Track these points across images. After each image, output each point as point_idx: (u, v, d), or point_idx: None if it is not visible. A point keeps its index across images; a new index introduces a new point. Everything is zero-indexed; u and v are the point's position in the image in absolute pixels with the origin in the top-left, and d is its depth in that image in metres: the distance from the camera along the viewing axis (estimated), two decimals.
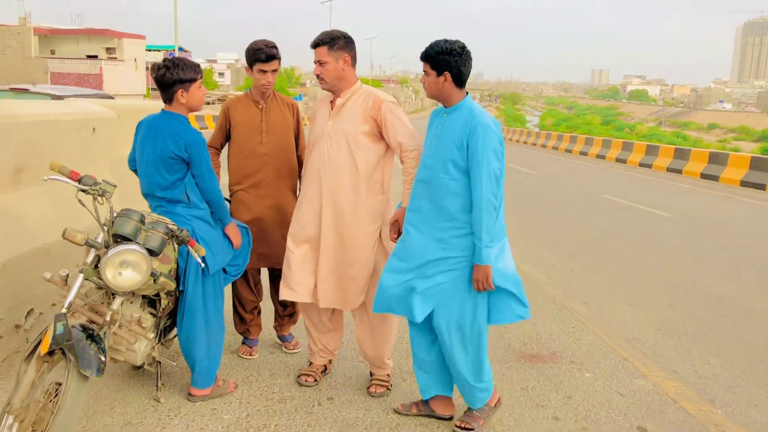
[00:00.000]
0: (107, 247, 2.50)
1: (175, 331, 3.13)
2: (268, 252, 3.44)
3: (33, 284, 3.43)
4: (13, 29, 35.16)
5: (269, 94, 3.43)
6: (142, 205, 2.94)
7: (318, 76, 3.02)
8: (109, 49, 37.94)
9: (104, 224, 2.53)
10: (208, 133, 3.21)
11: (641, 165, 18.87)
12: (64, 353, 2.31)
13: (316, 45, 3.00)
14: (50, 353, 2.32)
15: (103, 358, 2.33)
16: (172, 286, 2.74)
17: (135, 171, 3.10)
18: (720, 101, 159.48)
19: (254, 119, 3.41)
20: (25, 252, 3.38)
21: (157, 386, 3.03)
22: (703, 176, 15.84)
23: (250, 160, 3.40)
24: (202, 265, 2.80)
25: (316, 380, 3.29)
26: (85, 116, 4.17)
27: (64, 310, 2.39)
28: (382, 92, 3.08)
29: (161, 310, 2.89)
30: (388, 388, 3.25)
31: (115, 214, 2.55)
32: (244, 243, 3.20)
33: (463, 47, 2.68)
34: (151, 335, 2.70)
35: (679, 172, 16.88)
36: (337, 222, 3.03)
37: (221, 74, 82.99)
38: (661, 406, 3.31)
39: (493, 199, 2.58)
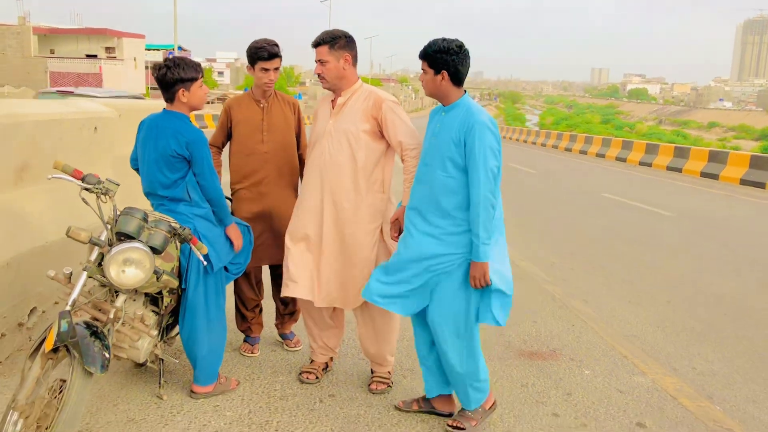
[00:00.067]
0: (111, 245, 2.52)
1: (177, 328, 3.15)
2: (269, 250, 3.46)
3: (35, 282, 3.45)
4: (13, 29, 35.19)
5: (271, 92, 3.45)
6: (144, 204, 2.96)
7: (319, 75, 3.04)
8: (108, 49, 37.98)
9: (107, 222, 2.55)
10: (208, 132, 3.23)
11: (641, 164, 18.90)
12: (68, 350, 2.33)
13: (317, 44, 3.02)
14: (55, 350, 2.34)
15: (107, 355, 2.36)
16: (175, 283, 2.76)
17: (137, 170, 3.12)
18: (720, 100, 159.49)
19: (255, 118, 3.43)
20: (27, 250, 3.40)
21: (159, 383, 3.05)
22: (703, 175, 15.86)
23: (251, 159, 3.42)
24: (205, 263, 2.83)
25: (317, 377, 3.31)
26: (87, 116, 4.19)
27: (68, 308, 2.41)
28: (383, 91, 3.10)
29: (164, 307, 2.92)
30: (389, 386, 3.27)
31: (118, 213, 2.57)
32: (246, 241, 3.22)
33: (461, 46, 2.70)
34: (154, 332, 2.72)
35: (679, 170, 16.90)
36: (338, 221, 3.05)
37: (221, 73, 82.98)
38: (660, 402, 3.33)
39: (491, 196, 2.60)
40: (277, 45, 3.34)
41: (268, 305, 3.80)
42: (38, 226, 3.56)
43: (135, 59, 37.98)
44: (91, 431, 2.72)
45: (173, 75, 2.86)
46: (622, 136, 43.83)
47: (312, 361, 3.40)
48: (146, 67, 40.89)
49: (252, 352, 3.61)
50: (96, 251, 2.53)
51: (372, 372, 3.33)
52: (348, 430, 2.86)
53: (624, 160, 19.97)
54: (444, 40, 2.71)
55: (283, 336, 3.79)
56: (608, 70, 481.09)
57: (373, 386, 3.25)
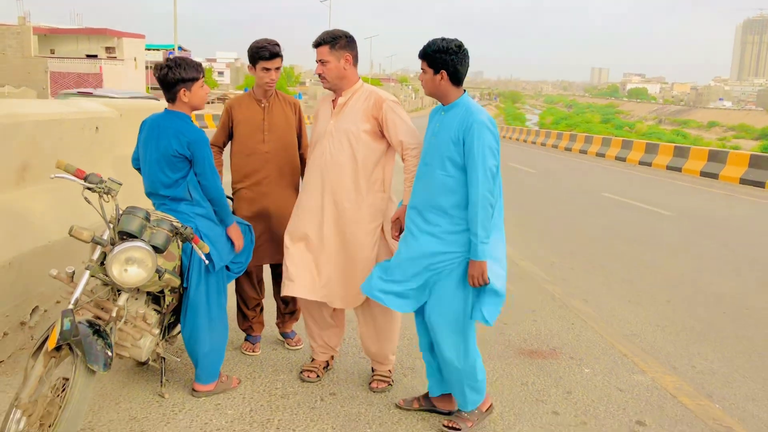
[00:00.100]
0: (113, 244, 2.53)
1: (178, 327, 3.17)
2: (270, 249, 3.47)
3: (37, 282, 3.46)
4: (13, 29, 35.19)
5: (272, 92, 3.46)
6: (145, 204, 2.98)
7: (320, 75, 3.05)
8: (108, 49, 37.98)
9: (110, 221, 2.56)
10: (208, 132, 3.24)
11: (641, 163, 18.91)
12: (71, 348, 2.34)
13: (317, 44, 3.03)
14: (57, 348, 2.36)
15: (109, 353, 2.37)
16: (177, 282, 2.78)
17: (138, 170, 3.13)
18: (720, 99, 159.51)
19: (256, 118, 3.44)
20: (29, 250, 3.42)
21: (161, 382, 3.07)
22: (703, 174, 15.87)
23: (252, 159, 3.43)
24: (206, 262, 2.84)
25: (318, 376, 3.33)
26: (88, 115, 4.20)
27: (70, 306, 2.43)
28: (384, 91, 3.11)
29: (165, 306, 2.93)
30: (390, 384, 3.28)
31: (120, 212, 2.58)
32: (247, 240, 3.23)
33: (460, 46, 2.71)
34: (156, 331, 2.73)
35: (679, 170, 16.92)
36: (338, 220, 3.06)
37: (221, 73, 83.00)
38: (659, 400, 3.35)
39: (489, 195, 2.61)
40: (278, 45, 3.36)
41: (270, 304, 3.82)
42: (40, 225, 3.57)
43: (135, 59, 37.98)
44: (94, 429, 2.73)
45: (174, 75, 2.87)
46: (621, 135, 43.87)
47: (313, 359, 3.42)
48: (146, 67, 40.90)
49: (253, 351, 3.62)
50: (98, 250, 2.55)
51: (373, 370, 3.35)
52: (349, 428, 2.88)
53: (624, 160, 19.99)
54: (443, 39, 2.72)
55: (284, 335, 3.80)
56: (608, 70, 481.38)
57: (374, 384, 3.26)
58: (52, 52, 37.65)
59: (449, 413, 3.00)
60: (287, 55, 3.48)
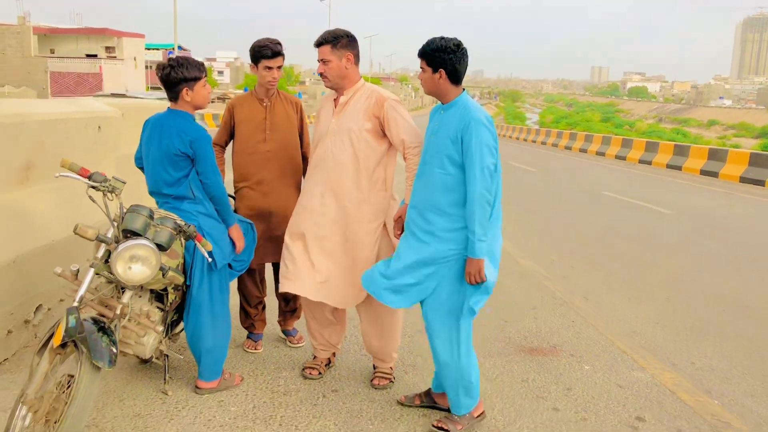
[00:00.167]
0: (117, 242, 2.56)
1: (182, 325, 3.19)
2: (272, 248, 3.49)
3: (41, 280, 3.49)
4: (13, 28, 35.19)
5: (273, 92, 3.48)
6: (148, 202, 3.00)
7: (321, 74, 3.07)
8: (108, 48, 38.01)
9: (114, 220, 2.59)
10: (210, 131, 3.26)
11: (641, 162, 18.93)
12: (76, 345, 2.36)
13: (319, 44, 3.05)
14: (63, 345, 2.38)
15: (114, 350, 2.39)
16: (180, 280, 2.80)
17: (142, 168, 3.15)
18: (720, 98, 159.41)
19: (258, 117, 3.46)
20: (33, 248, 3.44)
21: (164, 379, 3.09)
22: (703, 173, 15.89)
23: (253, 158, 3.45)
24: (210, 259, 2.86)
25: (320, 373, 3.35)
26: (91, 115, 4.22)
27: (75, 304, 2.45)
28: (385, 90, 3.13)
29: (169, 304, 2.95)
30: (391, 381, 3.31)
31: (124, 210, 2.61)
32: (249, 239, 3.26)
33: (458, 44, 2.72)
34: (160, 328, 2.76)
35: (679, 168, 16.93)
36: (339, 219, 3.08)
37: (220, 73, 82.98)
38: (659, 397, 3.37)
39: (487, 193, 2.61)
40: (279, 44, 3.38)
41: (272, 302, 3.84)
42: (43, 224, 3.60)
43: (135, 59, 38.01)
44: (98, 426, 2.76)
45: (177, 74, 2.90)
46: (622, 134, 43.86)
47: (314, 357, 3.44)
48: (146, 67, 40.91)
49: (255, 349, 3.65)
50: (103, 248, 2.57)
51: (374, 368, 3.37)
52: (351, 424, 2.90)
53: (624, 159, 20.00)
54: (442, 38, 2.74)
55: (285, 332, 3.82)
56: (608, 69, 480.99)
57: (376, 381, 3.28)
58: (52, 51, 37.67)
59: (449, 410, 3.02)
60: (287, 55, 3.51)
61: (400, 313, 3.24)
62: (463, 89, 2.81)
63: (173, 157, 2.90)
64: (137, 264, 2.51)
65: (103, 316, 2.60)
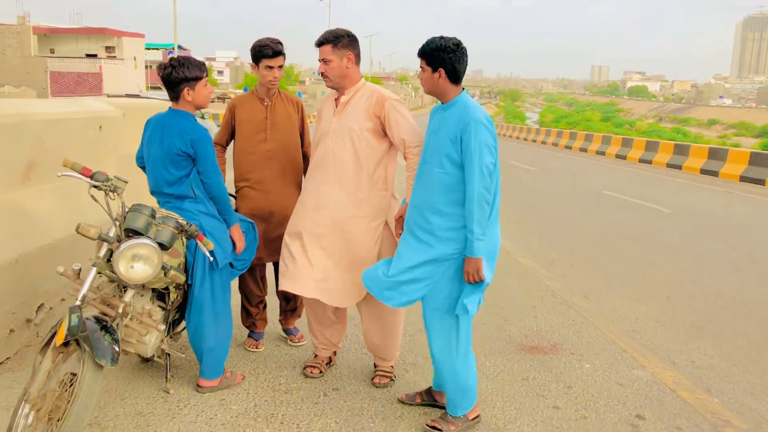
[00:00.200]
0: (119, 241, 2.57)
1: (183, 324, 3.20)
2: (273, 247, 3.50)
3: (43, 279, 3.50)
4: (13, 28, 35.18)
5: (275, 91, 3.49)
6: (148, 202, 3.01)
7: (322, 74, 3.08)
8: (108, 48, 38.02)
9: (116, 219, 2.60)
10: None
11: (641, 161, 18.93)
12: (78, 344, 2.38)
13: (320, 43, 3.06)
14: (65, 344, 2.40)
15: (116, 348, 2.41)
16: (182, 279, 2.81)
17: (143, 168, 3.16)
18: (720, 97, 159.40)
19: (259, 117, 3.47)
20: (35, 248, 3.45)
21: (166, 378, 3.10)
22: (703, 172, 15.90)
23: (254, 158, 3.46)
24: (211, 258, 2.87)
25: (321, 372, 3.36)
26: (92, 115, 4.23)
27: (78, 303, 2.46)
28: (386, 89, 3.14)
29: (170, 303, 2.96)
30: (392, 379, 3.32)
31: (126, 209, 2.62)
32: (251, 238, 3.27)
33: (458, 44, 2.72)
34: (162, 327, 2.77)
35: (679, 167, 16.94)
36: (340, 218, 3.08)
37: (220, 72, 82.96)
38: (659, 395, 3.38)
39: (486, 193, 2.61)
40: (281, 43, 3.39)
41: (273, 301, 3.85)
42: (45, 224, 3.61)
43: (135, 58, 38.01)
44: (100, 424, 2.77)
45: (178, 74, 2.91)
46: (622, 133, 43.86)
47: (316, 355, 3.45)
48: (146, 67, 40.92)
49: (256, 348, 3.66)
50: (105, 247, 2.58)
51: (375, 366, 3.38)
52: (352, 422, 2.91)
53: (624, 158, 20.01)
54: (441, 38, 2.74)
55: (286, 331, 3.84)
56: (608, 68, 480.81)
57: (377, 380, 3.30)
58: (52, 51, 37.68)
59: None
60: (287, 54, 3.52)
61: (402, 312, 3.25)
62: (463, 89, 2.81)
63: (174, 157, 2.91)
64: (139, 263, 2.52)
65: (105, 314, 2.61)
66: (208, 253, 2.81)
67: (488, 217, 2.67)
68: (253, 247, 3.30)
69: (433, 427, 2.85)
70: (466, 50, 2.75)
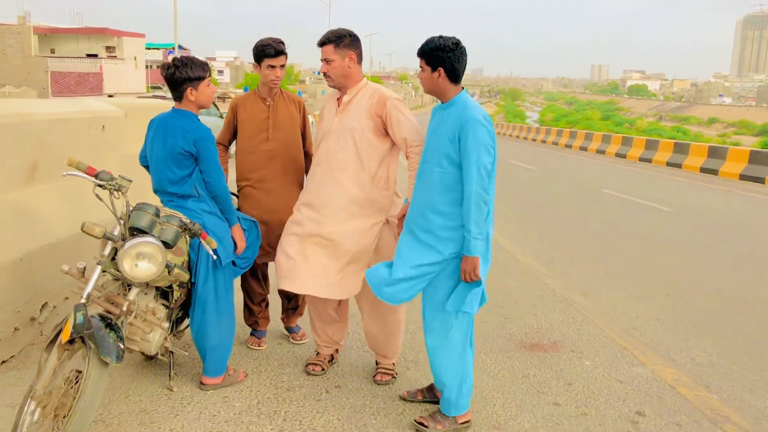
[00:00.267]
0: (124, 239, 2.59)
1: (186, 322, 3.23)
2: (275, 246, 3.52)
3: (46, 278, 3.53)
4: (13, 28, 35.17)
5: (276, 90, 3.52)
6: (151, 201, 3.03)
7: (325, 73, 3.10)
8: (108, 48, 38.01)
9: (120, 218, 2.62)
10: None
11: (641, 160, 18.95)
12: (84, 341, 2.40)
13: (322, 43, 3.08)
14: (71, 341, 2.42)
15: (121, 346, 2.43)
16: (186, 277, 2.83)
17: (146, 167, 3.19)
18: (720, 95, 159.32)
19: (261, 116, 3.49)
20: (38, 247, 3.48)
21: (169, 375, 3.13)
22: (703, 170, 15.92)
23: (256, 157, 3.48)
24: (214, 257, 2.90)
25: (323, 369, 3.39)
26: (94, 114, 4.26)
27: (83, 301, 2.49)
28: (388, 89, 3.16)
29: (174, 301, 2.99)
30: (394, 377, 3.34)
31: (131, 208, 2.64)
32: (253, 236, 3.29)
33: (457, 43, 2.74)
34: (166, 325, 2.79)
35: (679, 166, 16.97)
36: (340, 216, 3.09)
37: (220, 72, 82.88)
38: (659, 392, 3.41)
39: (483, 192, 2.62)
40: (282, 43, 3.41)
41: (275, 299, 3.88)
42: (49, 223, 3.63)
43: (135, 58, 38.00)
44: (105, 421, 2.80)
45: (181, 74, 2.93)
46: (622, 132, 43.88)
47: (318, 353, 3.48)
48: (147, 66, 40.91)
49: (259, 345, 3.68)
50: (109, 246, 2.61)
51: (377, 363, 3.41)
52: (354, 419, 2.94)
53: (624, 157, 20.03)
54: (441, 37, 2.76)
55: (288, 329, 3.86)
56: (608, 67, 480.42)
57: (378, 377, 3.32)
58: (53, 51, 37.67)
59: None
60: (287, 54, 3.55)
61: (402, 310, 3.27)
62: (463, 88, 2.83)
63: (177, 156, 2.93)
64: (144, 261, 2.54)
65: (109, 312, 2.63)
66: (211, 252, 2.84)
67: (485, 216, 2.68)
68: (256, 245, 3.32)
69: (421, 424, 2.86)
70: (465, 49, 2.76)
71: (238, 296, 3.53)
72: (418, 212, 2.81)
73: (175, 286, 2.94)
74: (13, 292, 3.27)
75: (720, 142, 41.52)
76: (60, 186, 3.78)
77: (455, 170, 2.69)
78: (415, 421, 2.89)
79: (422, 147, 2.95)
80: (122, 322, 2.65)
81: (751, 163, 14.71)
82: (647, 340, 4.20)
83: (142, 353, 2.92)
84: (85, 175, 2.60)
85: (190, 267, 2.96)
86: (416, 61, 2.82)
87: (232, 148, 3.68)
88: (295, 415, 2.95)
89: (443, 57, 2.71)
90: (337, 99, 3.18)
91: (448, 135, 2.69)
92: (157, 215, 2.64)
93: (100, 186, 2.59)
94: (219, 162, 3.04)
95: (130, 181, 2.65)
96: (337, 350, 3.53)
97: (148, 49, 43.27)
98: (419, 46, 2.80)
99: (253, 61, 3.47)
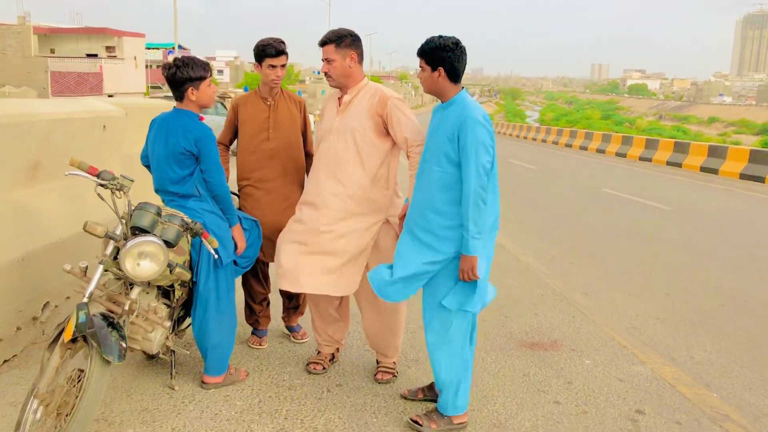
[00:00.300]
0: (126, 238, 2.61)
1: (188, 321, 3.24)
2: (275, 246, 3.52)
3: (48, 278, 3.54)
4: (13, 28, 35.17)
5: (277, 90, 3.53)
6: (152, 200, 3.04)
7: (326, 73, 3.11)
8: (108, 48, 38.00)
9: (122, 217, 2.63)
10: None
11: (641, 159, 18.97)
12: (86, 340, 2.42)
13: (323, 43, 3.09)
14: (73, 340, 2.43)
15: (123, 345, 2.44)
16: (188, 276, 2.85)
17: (147, 167, 3.20)
18: (720, 95, 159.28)
19: (262, 116, 3.50)
20: (40, 246, 3.49)
21: (171, 374, 3.14)
22: (703, 169, 15.94)
23: (256, 156, 3.49)
24: (216, 256, 2.91)
25: (324, 368, 3.40)
26: (96, 114, 4.27)
27: (85, 300, 2.50)
28: (389, 89, 3.17)
29: (175, 300, 3.00)
30: (394, 375, 3.35)
31: (132, 208, 2.65)
32: (254, 236, 3.30)
33: (457, 43, 2.74)
34: (167, 324, 2.81)
35: (679, 165, 16.98)
36: (340, 215, 3.10)
37: (220, 71, 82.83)
38: (658, 390, 3.42)
39: (481, 191, 2.62)
40: (283, 42, 3.42)
41: (276, 299, 3.89)
42: (50, 223, 3.64)
43: (135, 58, 37.99)
44: (107, 420, 2.81)
45: (182, 74, 2.94)
46: (622, 131, 43.91)
47: (319, 352, 3.49)
48: (147, 66, 40.90)
49: (260, 345, 3.69)
50: (111, 245, 2.62)
51: (377, 362, 3.42)
52: (355, 417, 2.95)
53: (624, 156, 20.04)
54: (440, 37, 2.76)
55: (289, 328, 3.87)
56: (608, 66, 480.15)
57: (379, 376, 3.33)
58: (53, 51, 37.67)
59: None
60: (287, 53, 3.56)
61: (403, 309, 3.28)
62: (462, 87, 2.84)
63: (179, 156, 2.94)
64: (146, 260, 2.56)
65: (111, 311, 2.64)
66: (212, 251, 2.85)
67: (484, 217, 2.67)
68: (257, 245, 3.33)
69: (415, 422, 2.87)
70: (464, 49, 2.77)
71: (239, 295, 3.54)
72: (418, 212, 2.82)
73: (176, 286, 2.95)
74: (14, 291, 3.29)
75: (720, 142, 41.53)
76: (61, 186, 3.79)
77: (454, 170, 2.69)
78: (410, 419, 2.89)
79: (423, 147, 2.96)
80: (124, 321, 2.66)
81: (751, 162, 14.72)
82: (647, 339, 4.21)
83: (144, 352, 2.93)
84: (87, 175, 2.61)
85: (192, 266, 2.98)
86: (416, 61, 2.83)
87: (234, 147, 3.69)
88: (296, 413, 2.96)
89: (443, 56, 2.72)
90: (338, 99, 3.19)
91: (448, 134, 2.70)
92: (159, 215, 2.66)
93: (102, 185, 2.60)
94: (220, 162, 3.05)
95: (132, 181, 2.66)
96: (338, 349, 3.54)
97: (148, 49, 43.26)
98: (419, 45, 2.81)
99: (253, 60, 3.48)
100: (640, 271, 6.00)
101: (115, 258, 2.61)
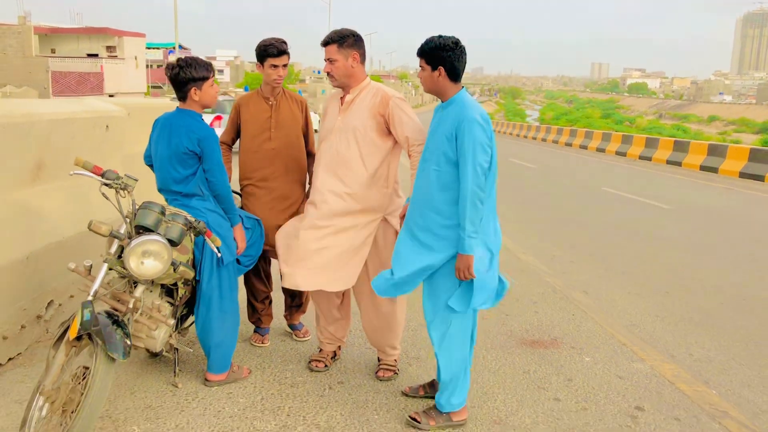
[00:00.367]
0: (130, 237, 2.63)
1: (191, 319, 3.27)
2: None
3: (52, 277, 3.57)
4: (14, 28, 35.19)
5: (279, 90, 3.55)
6: (155, 200, 3.06)
7: (328, 73, 3.14)
8: (109, 48, 38.02)
9: (127, 216, 2.66)
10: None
11: (641, 158, 18.98)
12: (91, 338, 2.44)
13: (326, 43, 3.11)
14: (78, 338, 2.46)
15: (128, 342, 2.47)
16: (191, 275, 2.87)
17: (151, 166, 3.22)
18: (720, 93, 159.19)
19: (263, 115, 3.53)
20: (44, 245, 3.52)
21: (174, 372, 3.17)
22: (703, 168, 15.95)
23: (258, 156, 3.52)
24: (219, 254, 2.93)
25: (326, 366, 3.43)
26: (98, 114, 4.29)
27: (90, 298, 2.52)
28: (391, 88, 3.19)
29: (179, 298, 3.03)
30: (396, 373, 3.38)
31: (136, 207, 2.68)
32: (257, 235, 3.33)
33: (457, 42, 2.76)
34: (171, 322, 2.83)
35: (679, 164, 17.00)
36: (339, 213, 3.13)
37: (220, 71, 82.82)
38: (658, 387, 3.44)
39: (479, 191, 2.63)
40: (285, 42, 3.45)
41: (278, 297, 3.91)
42: (54, 222, 3.67)
43: (136, 58, 38.01)
44: (111, 417, 2.83)
45: (185, 74, 2.96)
46: (622, 130, 43.92)
47: (320, 350, 3.51)
48: (147, 66, 40.93)
49: (262, 343, 3.72)
50: (116, 244, 2.65)
51: (379, 360, 3.44)
52: (356, 414, 2.97)
53: (624, 155, 20.06)
54: (440, 37, 2.78)
55: (291, 327, 3.90)
56: (608, 65, 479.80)
57: (380, 373, 3.36)
58: (53, 51, 37.69)
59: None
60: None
61: (402, 306, 3.31)
62: (462, 86, 2.85)
63: (182, 155, 2.97)
64: (150, 259, 2.58)
65: (116, 309, 2.67)
66: (215, 250, 2.87)
67: (482, 216, 2.69)
68: (260, 244, 3.36)
69: (414, 419, 2.88)
70: (464, 48, 2.78)
71: (242, 294, 3.57)
72: (418, 211, 2.83)
73: (180, 284, 2.98)
74: (19, 290, 3.31)
75: (720, 140, 41.55)
76: (65, 185, 3.81)
77: (453, 169, 2.71)
78: (408, 416, 2.91)
79: (424, 146, 2.98)
80: (128, 319, 2.69)
81: (751, 160, 14.73)
82: (647, 337, 4.23)
83: (148, 350, 2.96)
84: (92, 175, 2.63)
85: (195, 265, 3.00)
86: (416, 60, 2.85)
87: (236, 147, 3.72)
88: (298, 410, 2.98)
89: (443, 56, 2.73)
90: (340, 98, 3.22)
91: (446, 134, 2.71)
92: (163, 214, 2.68)
93: (106, 185, 2.63)
94: (222, 161, 3.08)
95: (136, 180, 2.68)
96: (339, 347, 3.57)
97: (149, 48, 43.29)
98: (419, 45, 2.83)
99: (253, 60, 3.51)
100: (640, 270, 6.03)
101: (120, 256, 2.64)
